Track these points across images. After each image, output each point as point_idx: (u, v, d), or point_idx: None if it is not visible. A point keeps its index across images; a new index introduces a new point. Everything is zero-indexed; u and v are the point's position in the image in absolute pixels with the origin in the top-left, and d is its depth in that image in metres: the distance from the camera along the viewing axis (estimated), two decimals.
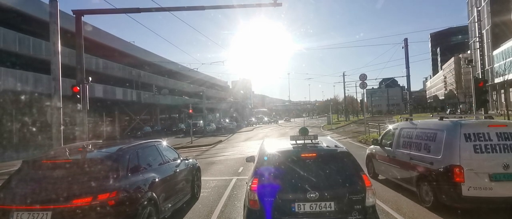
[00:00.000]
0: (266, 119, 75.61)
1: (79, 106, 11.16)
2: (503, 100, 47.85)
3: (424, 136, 6.76)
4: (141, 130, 40.63)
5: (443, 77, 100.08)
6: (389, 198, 7.13)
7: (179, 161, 6.96)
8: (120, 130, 41.26)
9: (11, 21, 25.51)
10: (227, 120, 56.06)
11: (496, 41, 50.38)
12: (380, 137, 9.63)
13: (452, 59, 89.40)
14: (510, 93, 45.44)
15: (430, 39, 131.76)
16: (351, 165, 4.47)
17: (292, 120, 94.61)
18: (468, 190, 5.48)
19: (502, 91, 48.62)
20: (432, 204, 6.11)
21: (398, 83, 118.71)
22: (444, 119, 6.83)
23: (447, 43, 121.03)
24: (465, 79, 66.89)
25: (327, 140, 5.37)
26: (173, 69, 51.80)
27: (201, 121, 43.80)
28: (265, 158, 4.63)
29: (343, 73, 49.99)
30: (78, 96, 11.14)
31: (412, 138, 7.19)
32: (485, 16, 53.64)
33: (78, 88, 11.18)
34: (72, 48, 13.56)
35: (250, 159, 6.26)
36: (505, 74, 38.26)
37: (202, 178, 8.56)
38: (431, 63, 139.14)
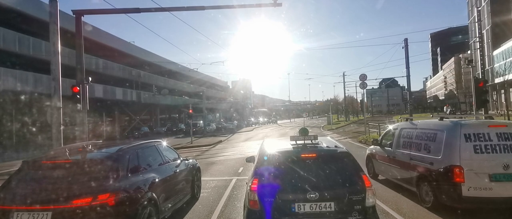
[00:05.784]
0: (260, 119, 74.80)
1: (79, 106, 11.16)
2: (503, 100, 47.80)
3: (424, 136, 6.76)
4: (138, 130, 40.45)
5: (443, 77, 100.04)
6: (389, 198, 7.13)
7: (179, 161, 6.96)
8: (120, 130, 41.24)
9: (11, 21, 25.53)
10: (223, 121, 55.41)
11: (496, 41, 50.25)
12: (380, 137, 9.63)
13: (452, 59, 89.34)
14: (510, 93, 45.40)
15: (430, 39, 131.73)
16: (351, 166, 4.47)
17: (291, 120, 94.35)
18: (468, 190, 5.48)
19: (502, 91, 48.54)
20: (432, 204, 6.11)
21: (398, 83, 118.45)
22: (444, 119, 6.84)
23: (447, 43, 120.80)
24: (465, 79, 66.79)
25: (327, 141, 5.37)
26: (173, 69, 51.81)
27: (201, 121, 43.77)
28: (265, 158, 4.63)
29: (343, 73, 50.08)
30: (78, 96, 11.14)
31: (412, 138, 7.18)
32: (485, 16, 53.56)
33: (78, 88, 11.18)
34: (72, 48, 13.55)
35: (250, 160, 6.25)
36: (505, 74, 38.20)
37: (202, 178, 8.56)
38: (431, 63, 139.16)
